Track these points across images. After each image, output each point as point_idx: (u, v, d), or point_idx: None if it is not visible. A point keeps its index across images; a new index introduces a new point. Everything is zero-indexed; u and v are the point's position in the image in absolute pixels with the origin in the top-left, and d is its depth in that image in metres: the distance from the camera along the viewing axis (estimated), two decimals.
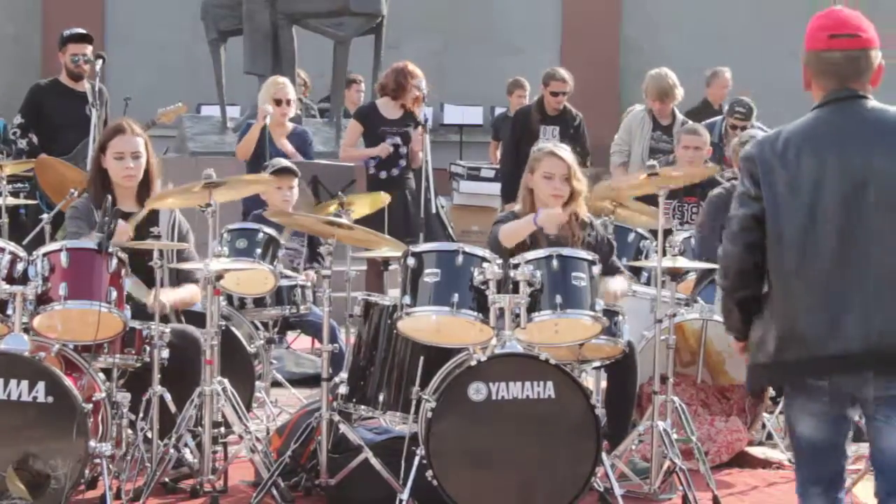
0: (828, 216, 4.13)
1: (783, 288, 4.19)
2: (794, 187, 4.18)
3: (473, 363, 5.80)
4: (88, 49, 9.93)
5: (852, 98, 4.29)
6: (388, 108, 9.93)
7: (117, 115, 9.31)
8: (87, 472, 5.82)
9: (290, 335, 9.28)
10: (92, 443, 5.72)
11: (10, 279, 5.94)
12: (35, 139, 9.76)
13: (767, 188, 4.21)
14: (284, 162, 8.19)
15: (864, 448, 7.28)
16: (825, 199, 4.14)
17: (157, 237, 6.42)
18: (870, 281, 4.12)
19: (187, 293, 6.60)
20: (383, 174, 9.86)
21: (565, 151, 6.63)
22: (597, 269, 6.14)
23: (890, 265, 4.12)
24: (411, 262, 6.07)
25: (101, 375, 6.06)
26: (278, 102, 9.43)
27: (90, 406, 5.75)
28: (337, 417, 6.13)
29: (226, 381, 6.22)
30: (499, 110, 16.71)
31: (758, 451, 7.14)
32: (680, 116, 9.90)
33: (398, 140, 9.84)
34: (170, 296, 6.39)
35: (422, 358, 6.13)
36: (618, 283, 6.59)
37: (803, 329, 4.16)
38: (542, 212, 6.45)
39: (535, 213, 6.47)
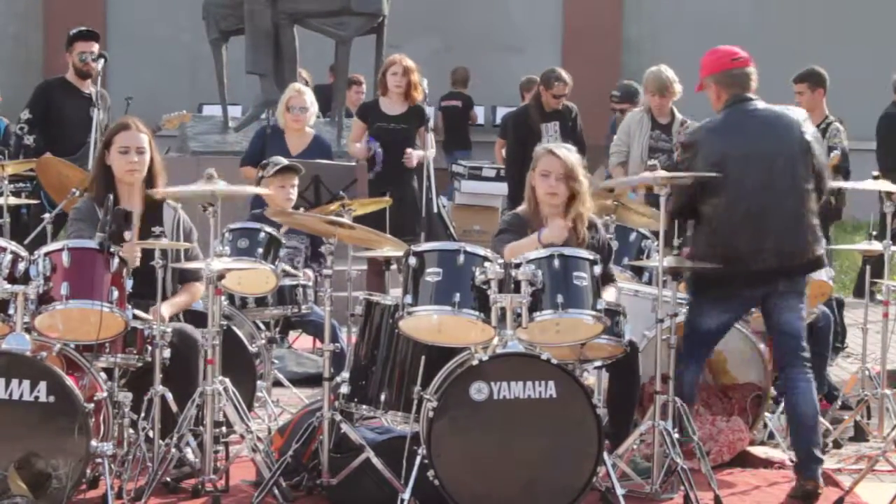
0: (749, 179, 6.38)
1: (725, 223, 6.41)
2: (722, 162, 6.38)
3: (475, 363, 5.80)
4: (95, 47, 9.93)
5: (749, 100, 6.57)
6: (389, 105, 9.93)
7: (118, 115, 9.31)
8: (88, 471, 5.82)
9: (292, 335, 9.29)
10: (93, 442, 5.72)
11: (11, 279, 5.94)
12: (36, 138, 9.75)
13: (702, 161, 6.44)
14: (285, 161, 8.18)
15: (864, 448, 7.30)
16: (744, 168, 6.38)
17: (160, 236, 6.41)
18: (779, 219, 6.38)
19: (186, 297, 6.58)
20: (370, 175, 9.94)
21: (565, 150, 6.60)
22: (598, 269, 6.14)
23: (789, 207, 6.40)
24: (413, 261, 6.07)
25: (103, 375, 6.06)
26: (289, 109, 9.30)
27: (92, 406, 5.75)
28: (338, 417, 6.13)
29: (227, 380, 6.22)
30: (501, 110, 16.72)
31: (759, 451, 7.13)
32: (679, 115, 9.89)
33: (376, 145, 9.85)
34: (169, 309, 6.38)
35: (423, 357, 6.13)
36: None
37: (739, 251, 6.39)
38: (544, 230, 6.45)
39: (539, 230, 6.47)
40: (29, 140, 9.72)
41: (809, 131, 6.53)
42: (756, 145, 6.43)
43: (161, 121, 9.72)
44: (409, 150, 9.73)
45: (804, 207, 6.45)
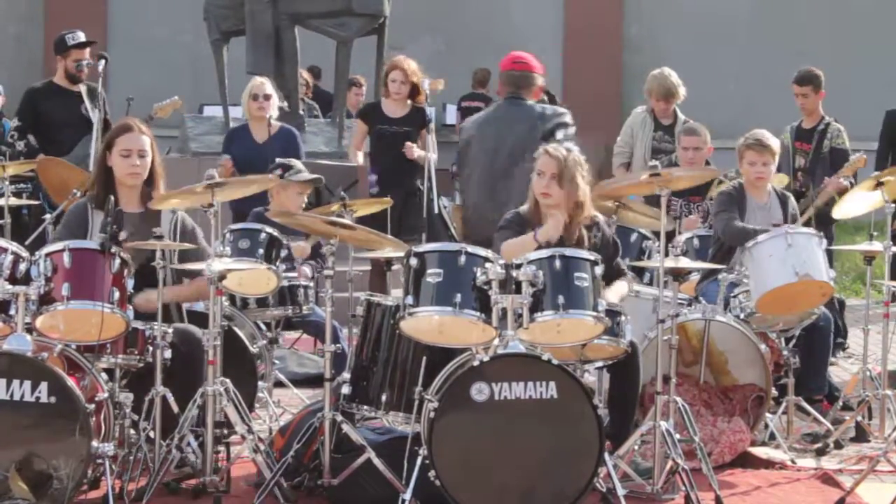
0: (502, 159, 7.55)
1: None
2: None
3: (476, 363, 5.80)
4: (88, 52, 9.97)
5: (519, 99, 7.71)
6: (391, 107, 9.94)
7: (119, 115, 9.33)
8: (89, 472, 5.82)
9: (289, 335, 9.28)
10: (94, 443, 5.72)
11: (12, 279, 5.95)
12: (33, 141, 9.77)
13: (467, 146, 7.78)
14: (307, 174, 8.17)
15: (865, 449, 7.30)
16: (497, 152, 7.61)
17: (160, 238, 6.41)
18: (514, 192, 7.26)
19: (191, 288, 6.57)
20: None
21: (562, 151, 6.59)
22: (599, 270, 6.14)
23: (518, 188, 7.12)
24: (414, 262, 6.07)
25: (104, 376, 6.07)
26: (255, 98, 9.38)
27: (93, 406, 5.76)
28: (339, 417, 6.13)
29: (228, 381, 6.23)
30: None
31: (760, 452, 7.13)
32: (682, 116, 9.89)
33: (373, 178, 9.95)
34: (167, 294, 6.36)
35: (424, 358, 6.13)
36: (614, 294, 6.55)
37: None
38: (540, 229, 6.45)
39: (535, 230, 6.47)
40: (20, 146, 9.73)
41: (554, 122, 7.63)
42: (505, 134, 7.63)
43: (153, 110, 9.72)
44: (408, 143, 9.74)
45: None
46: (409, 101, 9.88)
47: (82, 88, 9.87)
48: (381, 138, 9.96)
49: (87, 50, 9.98)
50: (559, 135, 7.55)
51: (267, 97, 9.38)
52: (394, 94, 9.87)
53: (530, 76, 7.76)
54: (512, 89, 7.75)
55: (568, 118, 7.69)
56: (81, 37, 10.00)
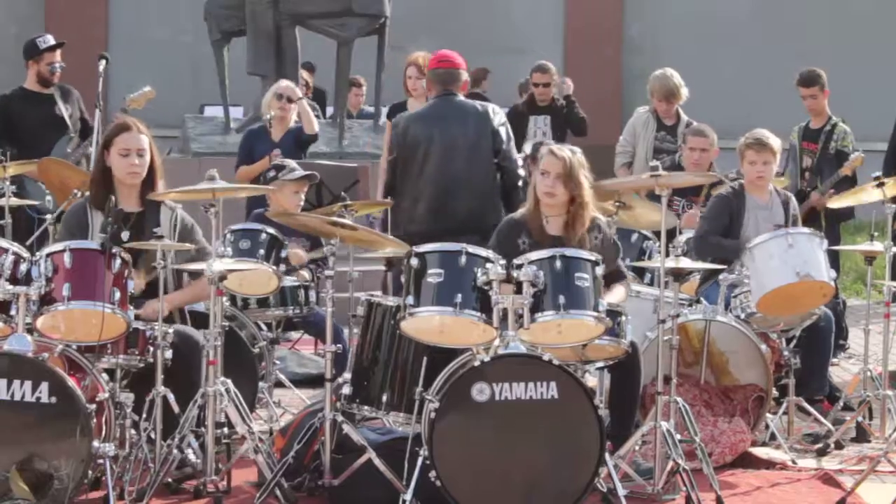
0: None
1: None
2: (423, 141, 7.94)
3: (477, 364, 5.80)
4: (59, 55, 10.06)
5: (452, 95, 8.07)
6: (415, 105, 9.92)
7: (114, 116, 9.37)
8: (90, 472, 5.81)
9: (294, 335, 9.29)
10: (95, 443, 5.72)
11: (13, 280, 5.94)
12: (7, 149, 9.76)
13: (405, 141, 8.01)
14: (300, 170, 8.21)
15: (866, 449, 7.30)
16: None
17: (160, 237, 6.41)
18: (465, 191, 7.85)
19: (191, 291, 6.58)
20: None
21: (567, 151, 6.59)
22: (600, 270, 6.14)
23: (476, 180, 7.90)
24: (415, 262, 6.07)
25: (105, 376, 6.06)
26: (279, 97, 9.51)
27: (93, 407, 5.75)
28: (340, 418, 6.13)
29: (229, 381, 6.23)
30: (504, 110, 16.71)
31: (761, 452, 7.13)
32: (685, 117, 9.90)
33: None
34: (168, 305, 6.35)
35: (425, 358, 6.13)
36: (613, 297, 6.54)
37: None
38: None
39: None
40: None
41: (497, 121, 7.98)
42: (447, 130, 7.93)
43: (124, 102, 9.72)
44: None
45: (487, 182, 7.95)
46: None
47: (54, 90, 9.96)
48: None
49: (58, 52, 10.06)
50: (523, 153, 8.26)
51: (290, 100, 9.52)
52: (413, 91, 9.87)
53: (457, 72, 8.14)
54: (441, 87, 8.10)
55: (504, 116, 8.18)
56: (51, 40, 10.15)
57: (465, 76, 8.25)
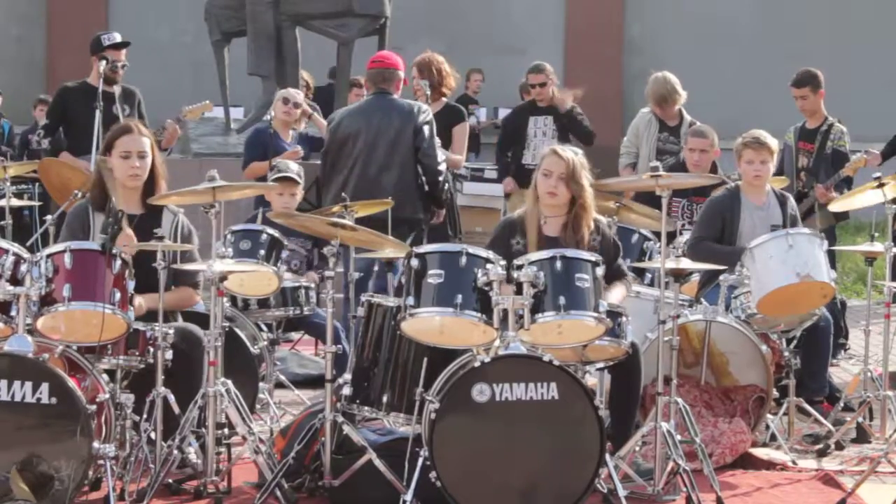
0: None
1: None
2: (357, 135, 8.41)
3: (477, 364, 5.80)
4: (124, 54, 9.91)
5: (385, 93, 8.49)
6: None
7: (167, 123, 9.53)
8: (90, 473, 5.81)
9: (294, 336, 9.29)
10: (95, 444, 5.72)
11: (13, 280, 5.94)
12: (51, 141, 9.75)
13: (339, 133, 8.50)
14: (291, 169, 8.23)
15: (867, 450, 7.30)
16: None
17: (161, 239, 6.41)
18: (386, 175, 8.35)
19: (173, 297, 6.51)
20: None
21: (570, 152, 6.60)
22: (600, 271, 6.14)
23: (397, 177, 8.36)
24: (415, 263, 6.07)
25: (105, 377, 6.06)
26: (285, 101, 9.78)
27: (94, 407, 5.75)
28: (340, 419, 6.13)
29: (229, 382, 6.23)
30: (503, 111, 16.70)
31: (761, 453, 7.13)
32: (687, 118, 9.90)
33: None
34: (147, 303, 6.33)
35: (425, 359, 6.13)
36: (613, 297, 6.54)
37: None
38: None
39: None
40: (45, 144, 9.73)
41: (420, 120, 8.37)
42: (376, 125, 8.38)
43: (182, 112, 9.75)
44: None
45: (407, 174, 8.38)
46: (443, 100, 9.73)
47: (116, 90, 9.81)
48: None
49: (123, 51, 9.91)
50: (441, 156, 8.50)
51: (297, 105, 9.96)
52: (420, 96, 9.87)
53: (389, 72, 8.55)
54: (377, 86, 8.55)
55: (430, 116, 8.53)
56: (117, 37, 9.92)
57: (399, 75, 8.58)
